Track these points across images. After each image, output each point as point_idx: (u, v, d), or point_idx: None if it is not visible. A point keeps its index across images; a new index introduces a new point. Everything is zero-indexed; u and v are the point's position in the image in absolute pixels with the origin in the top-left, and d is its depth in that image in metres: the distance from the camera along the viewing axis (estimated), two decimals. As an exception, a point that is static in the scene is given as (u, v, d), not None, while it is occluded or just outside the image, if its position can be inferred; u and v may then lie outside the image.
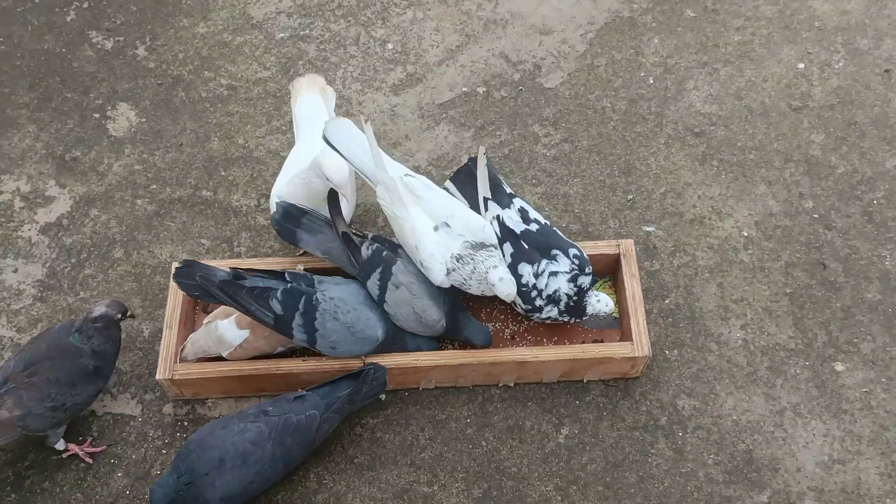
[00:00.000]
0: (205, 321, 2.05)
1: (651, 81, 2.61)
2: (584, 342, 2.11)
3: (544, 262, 1.99)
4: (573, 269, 1.99)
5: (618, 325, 2.14)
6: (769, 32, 2.70)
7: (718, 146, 2.47)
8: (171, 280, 1.99)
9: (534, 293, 2.00)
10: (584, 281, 1.99)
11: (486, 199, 2.07)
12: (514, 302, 2.05)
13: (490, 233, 2.00)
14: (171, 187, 2.42)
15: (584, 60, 2.66)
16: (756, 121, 2.51)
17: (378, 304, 1.98)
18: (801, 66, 2.62)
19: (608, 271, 2.19)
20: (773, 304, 2.20)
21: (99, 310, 1.91)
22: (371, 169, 2.01)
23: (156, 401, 2.08)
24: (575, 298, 2.00)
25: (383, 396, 2.07)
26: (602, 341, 2.11)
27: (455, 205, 2.03)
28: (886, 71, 2.59)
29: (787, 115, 2.52)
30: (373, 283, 1.97)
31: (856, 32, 2.68)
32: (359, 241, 2.02)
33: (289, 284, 1.93)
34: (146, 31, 2.72)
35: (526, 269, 2.00)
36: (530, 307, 2.02)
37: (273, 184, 2.17)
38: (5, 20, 2.72)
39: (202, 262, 1.99)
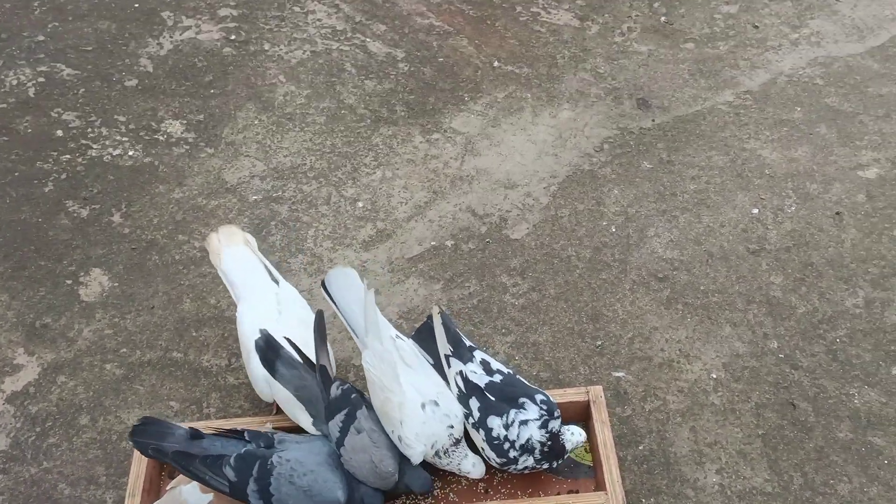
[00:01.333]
0: (168, 487, 2.01)
1: (613, 230, 2.69)
2: (559, 493, 2.07)
3: (513, 411, 1.99)
4: (542, 415, 1.98)
5: (593, 475, 2.11)
6: (723, 181, 2.81)
7: (682, 290, 2.52)
8: (129, 440, 1.97)
9: (506, 445, 1.98)
10: (555, 425, 1.98)
11: (447, 357, 2.09)
12: (488, 457, 2.03)
13: (462, 418, 2.02)
14: (140, 350, 2.42)
15: (548, 212, 2.75)
16: (716, 264, 2.58)
17: (336, 445, 1.95)
18: (756, 211, 2.72)
19: (579, 418, 2.18)
20: (747, 447, 2.18)
21: None
22: (363, 331, 2.04)
23: (120, 573, 2.01)
24: (549, 444, 1.98)
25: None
26: (577, 492, 2.07)
27: (439, 380, 2.06)
28: (837, 213, 2.69)
29: (746, 258, 2.59)
30: (335, 423, 1.95)
31: (805, 179, 2.80)
32: (335, 380, 2.02)
33: (244, 448, 1.90)
34: (122, 198, 2.81)
35: (495, 422, 1.99)
36: (505, 460, 2.00)
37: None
38: (-15, 193, 2.81)
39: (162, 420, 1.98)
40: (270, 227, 2.72)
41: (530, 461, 1.99)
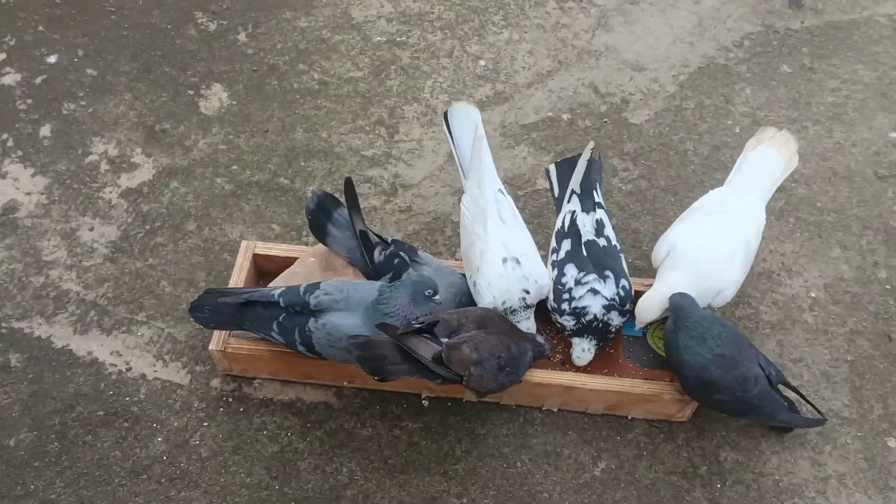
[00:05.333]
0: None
1: (738, 131, 2.58)
2: (634, 378, 2.08)
3: (592, 276, 1.99)
4: (614, 300, 1.98)
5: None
6: (864, 98, 2.65)
7: (797, 203, 2.43)
8: (189, 314, 1.98)
9: (565, 296, 1.99)
10: (616, 317, 1.99)
11: (572, 192, 2.08)
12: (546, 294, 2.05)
13: (545, 289, 2.01)
14: (250, 170, 2.48)
15: (672, 101, 2.65)
16: (839, 183, 2.47)
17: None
18: (894, 135, 2.56)
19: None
20: (832, 370, 2.15)
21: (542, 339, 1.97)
22: (468, 172, 2.05)
23: (205, 373, 2.13)
24: (599, 326, 1.99)
25: (426, 402, 2.08)
26: (652, 380, 2.08)
27: (531, 244, 2.04)
28: (983, 152, 2.52)
29: (872, 183, 2.47)
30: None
31: (956, 109, 2.62)
32: (376, 244, 2.02)
33: (282, 316, 1.90)
34: (250, 18, 2.81)
35: (571, 272, 2.00)
36: (555, 305, 2.02)
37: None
38: (119, -8, 2.85)
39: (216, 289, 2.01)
40: (390, 71, 2.70)
41: (572, 323, 2.00)
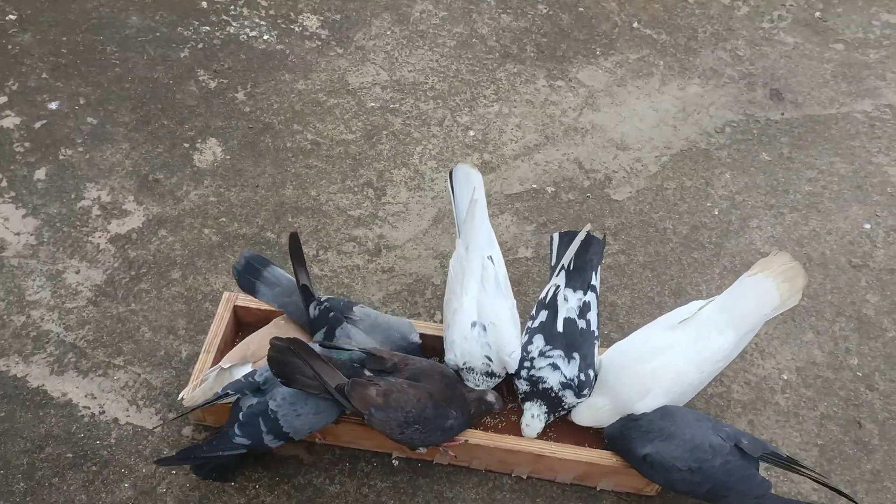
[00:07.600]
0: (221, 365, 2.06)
1: (716, 213, 2.65)
2: (604, 449, 2.09)
3: (558, 352, 2.01)
4: (572, 382, 2.00)
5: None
6: (840, 189, 2.73)
7: (772, 287, 2.48)
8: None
9: (526, 363, 2.02)
10: (570, 397, 2.00)
11: (562, 267, 2.11)
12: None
13: (512, 364, 2.03)
14: (238, 223, 2.52)
15: (654, 181, 2.73)
16: (814, 270, 2.53)
17: None
18: (868, 226, 2.64)
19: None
20: (802, 453, 2.16)
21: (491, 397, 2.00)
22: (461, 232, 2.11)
23: (178, 421, 2.13)
24: (550, 401, 2.01)
25: (396, 462, 2.08)
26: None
27: (505, 316, 2.06)
28: (953, 247, 2.59)
29: (846, 271, 2.53)
30: (317, 339, 2.03)
31: (927, 204, 2.70)
32: (312, 300, 2.06)
33: (240, 416, 1.90)
34: (249, 78, 2.90)
35: (539, 342, 2.03)
36: (517, 369, 2.04)
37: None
38: (126, 46, 2.93)
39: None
40: (381, 136, 2.78)
41: (525, 388, 2.02)
